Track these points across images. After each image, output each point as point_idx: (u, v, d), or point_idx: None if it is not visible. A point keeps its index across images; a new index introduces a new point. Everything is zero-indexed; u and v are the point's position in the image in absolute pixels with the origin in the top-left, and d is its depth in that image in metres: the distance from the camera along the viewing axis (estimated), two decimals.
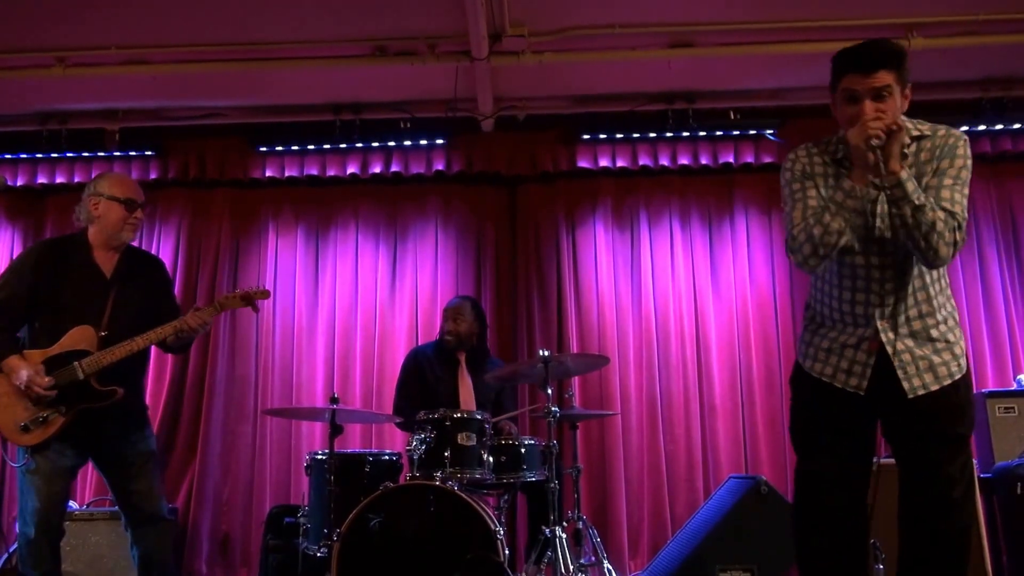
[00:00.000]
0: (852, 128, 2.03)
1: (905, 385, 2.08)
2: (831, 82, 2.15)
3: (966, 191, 2.07)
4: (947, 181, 2.05)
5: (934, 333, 2.10)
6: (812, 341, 2.24)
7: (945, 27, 4.04)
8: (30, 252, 2.96)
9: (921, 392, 2.08)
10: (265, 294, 3.11)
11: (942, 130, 2.14)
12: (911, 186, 1.98)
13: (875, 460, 2.19)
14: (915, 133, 2.13)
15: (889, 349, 2.08)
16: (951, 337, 2.12)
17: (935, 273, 2.13)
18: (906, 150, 2.10)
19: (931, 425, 2.09)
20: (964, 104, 4.61)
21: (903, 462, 2.17)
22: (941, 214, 1.99)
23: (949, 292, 2.18)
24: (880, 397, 2.12)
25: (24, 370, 2.70)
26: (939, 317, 2.11)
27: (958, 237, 2.00)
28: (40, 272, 2.85)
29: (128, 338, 2.81)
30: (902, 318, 2.09)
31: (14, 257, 3.22)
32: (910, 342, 2.09)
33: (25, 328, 2.87)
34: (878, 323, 2.10)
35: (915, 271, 2.10)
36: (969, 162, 2.10)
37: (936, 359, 2.08)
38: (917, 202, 1.97)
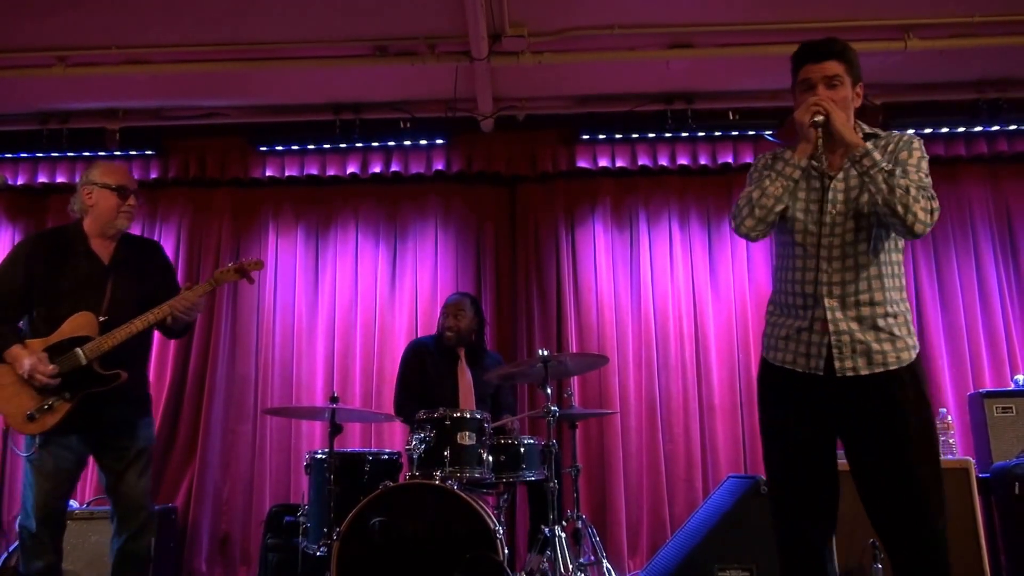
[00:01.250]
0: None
1: (836, 364, 2.11)
2: (792, 80, 2.29)
3: (929, 180, 2.13)
4: (910, 168, 2.13)
5: (880, 323, 2.12)
6: (772, 332, 2.28)
7: (941, 29, 4.06)
8: (24, 244, 2.97)
9: (850, 374, 2.10)
10: (259, 264, 3.10)
11: (895, 133, 2.25)
12: (878, 155, 2.07)
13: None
14: (868, 131, 2.24)
15: (831, 327, 2.12)
16: (897, 332, 2.13)
17: (891, 269, 2.17)
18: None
19: (862, 413, 2.10)
20: (960, 105, 4.63)
21: (847, 453, 2.18)
22: (912, 181, 2.06)
23: (905, 295, 2.22)
24: (832, 379, 2.13)
25: (27, 359, 2.71)
26: (889, 309, 2.13)
27: (933, 205, 2.05)
28: (35, 263, 2.86)
29: (128, 322, 2.82)
30: (851, 299, 2.13)
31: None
32: (854, 325, 2.12)
33: (25, 319, 2.88)
34: (826, 301, 2.13)
35: (870, 259, 2.14)
36: (926, 156, 2.18)
37: (875, 347, 2.10)
38: (887, 167, 2.05)
